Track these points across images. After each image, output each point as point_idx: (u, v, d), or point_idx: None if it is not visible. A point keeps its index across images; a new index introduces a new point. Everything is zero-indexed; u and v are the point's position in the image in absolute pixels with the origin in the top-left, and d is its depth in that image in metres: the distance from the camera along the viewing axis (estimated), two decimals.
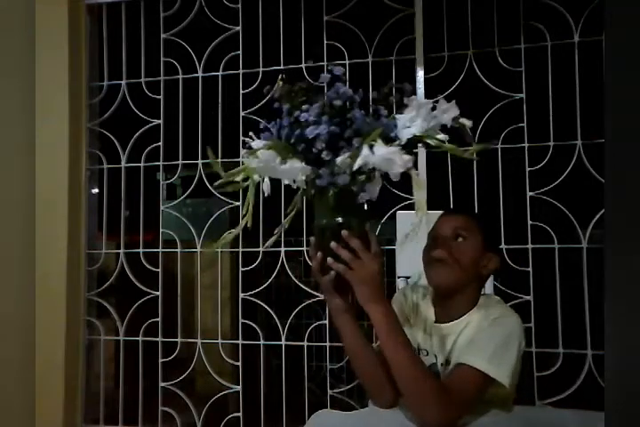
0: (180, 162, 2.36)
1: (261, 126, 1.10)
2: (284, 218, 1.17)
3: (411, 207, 2.15)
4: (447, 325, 1.27)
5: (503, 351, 1.14)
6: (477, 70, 2.15)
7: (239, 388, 2.25)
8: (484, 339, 1.16)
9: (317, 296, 2.18)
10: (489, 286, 1.95)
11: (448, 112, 1.07)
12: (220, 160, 2.31)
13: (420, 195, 2.10)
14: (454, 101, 1.08)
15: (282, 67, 2.28)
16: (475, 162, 2.12)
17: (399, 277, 2.10)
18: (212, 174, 2.34)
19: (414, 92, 1.08)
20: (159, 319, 2.32)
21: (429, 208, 2.10)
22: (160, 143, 2.37)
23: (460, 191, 2.12)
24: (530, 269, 2.04)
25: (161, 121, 2.37)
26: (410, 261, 2.05)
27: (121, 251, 2.39)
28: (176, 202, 2.46)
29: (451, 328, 1.26)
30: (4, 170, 1.34)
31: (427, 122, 1.05)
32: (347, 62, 2.23)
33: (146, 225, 2.40)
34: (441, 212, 1.34)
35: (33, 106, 1.41)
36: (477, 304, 1.26)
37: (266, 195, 1.06)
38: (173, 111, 2.36)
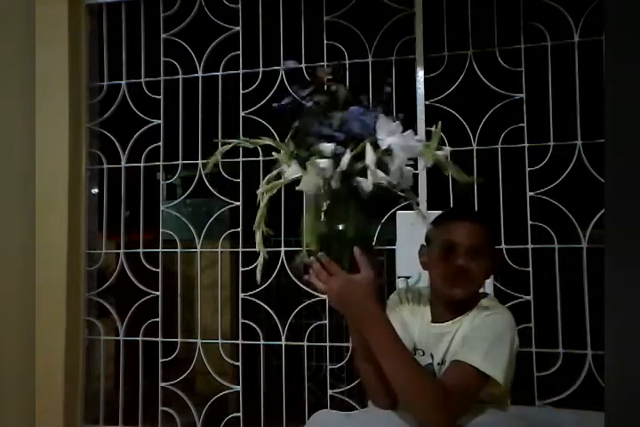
0: (180, 162, 2.36)
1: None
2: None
3: (411, 207, 2.15)
4: (443, 324, 1.27)
5: (496, 349, 1.15)
6: (477, 70, 2.14)
7: (239, 388, 2.25)
8: (477, 336, 1.17)
9: (317, 296, 2.18)
10: (489, 286, 1.95)
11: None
12: (220, 160, 2.31)
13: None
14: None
15: (282, 67, 2.28)
16: (475, 162, 2.12)
17: (399, 277, 2.10)
18: (212, 174, 2.34)
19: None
20: (159, 319, 2.32)
21: (429, 208, 2.10)
22: (160, 143, 2.37)
23: (459, 191, 2.12)
24: (530, 269, 2.04)
25: (161, 121, 2.37)
26: (410, 261, 2.05)
27: (121, 251, 2.39)
28: (176, 202, 2.46)
29: (447, 328, 1.26)
30: (5, 170, 1.34)
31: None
32: (347, 62, 2.23)
33: (146, 225, 2.40)
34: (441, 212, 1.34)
35: (33, 106, 1.41)
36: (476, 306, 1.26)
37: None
38: (173, 111, 2.36)
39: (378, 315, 1.09)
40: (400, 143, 1.00)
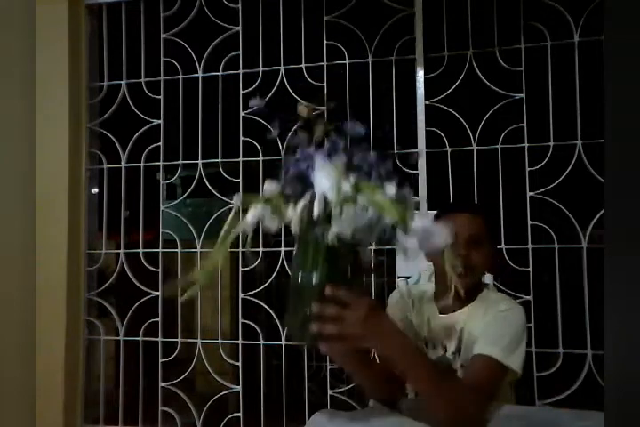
0: (180, 162, 2.36)
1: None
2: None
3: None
4: (450, 315, 1.29)
5: (516, 342, 1.20)
6: (477, 70, 2.15)
7: (239, 388, 2.25)
8: (498, 330, 1.21)
9: None
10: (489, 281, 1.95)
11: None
12: (220, 160, 2.32)
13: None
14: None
15: (282, 67, 2.28)
16: (475, 162, 2.12)
17: (399, 278, 2.10)
18: (211, 174, 2.34)
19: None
20: (159, 319, 2.32)
21: (429, 208, 2.10)
22: (160, 143, 2.37)
23: (460, 191, 2.12)
24: (530, 269, 2.04)
25: (161, 121, 2.37)
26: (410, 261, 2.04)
27: (121, 251, 2.39)
28: (176, 202, 2.46)
29: (455, 318, 1.29)
30: (4, 170, 1.34)
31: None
32: (347, 62, 2.23)
33: (146, 225, 2.40)
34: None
35: (33, 106, 1.41)
36: (480, 295, 1.30)
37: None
38: (173, 111, 2.37)
39: (400, 331, 1.06)
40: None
